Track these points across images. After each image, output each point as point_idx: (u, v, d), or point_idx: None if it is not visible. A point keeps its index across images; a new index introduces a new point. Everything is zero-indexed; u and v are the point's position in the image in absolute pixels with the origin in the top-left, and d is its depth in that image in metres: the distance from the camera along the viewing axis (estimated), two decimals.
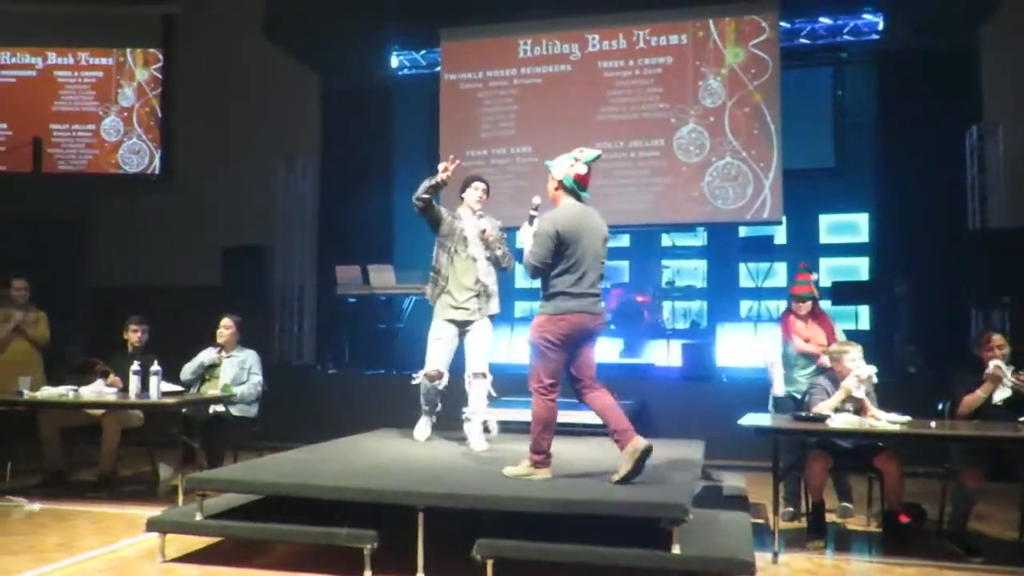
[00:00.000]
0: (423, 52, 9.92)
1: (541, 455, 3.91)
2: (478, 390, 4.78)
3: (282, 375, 7.65)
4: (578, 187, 3.97)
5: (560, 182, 3.98)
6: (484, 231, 4.78)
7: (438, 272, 4.85)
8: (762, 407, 5.10)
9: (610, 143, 8.74)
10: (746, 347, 8.72)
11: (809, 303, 5.16)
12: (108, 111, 10.02)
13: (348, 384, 8.08)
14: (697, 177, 8.59)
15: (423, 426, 5.16)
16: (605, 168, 8.76)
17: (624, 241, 10.25)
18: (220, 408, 5.69)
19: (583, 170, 3.95)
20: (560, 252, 3.83)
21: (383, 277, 8.32)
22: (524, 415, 5.71)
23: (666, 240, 9.98)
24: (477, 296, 4.79)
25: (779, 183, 8.36)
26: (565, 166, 3.97)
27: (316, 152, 9.82)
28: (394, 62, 10.04)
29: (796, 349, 5.11)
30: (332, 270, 8.65)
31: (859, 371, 4.42)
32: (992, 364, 4.45)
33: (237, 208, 9.37)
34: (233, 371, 5.81)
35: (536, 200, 4.11)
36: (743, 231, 9.21)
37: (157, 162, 9.95)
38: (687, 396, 7.17)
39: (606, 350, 8.85)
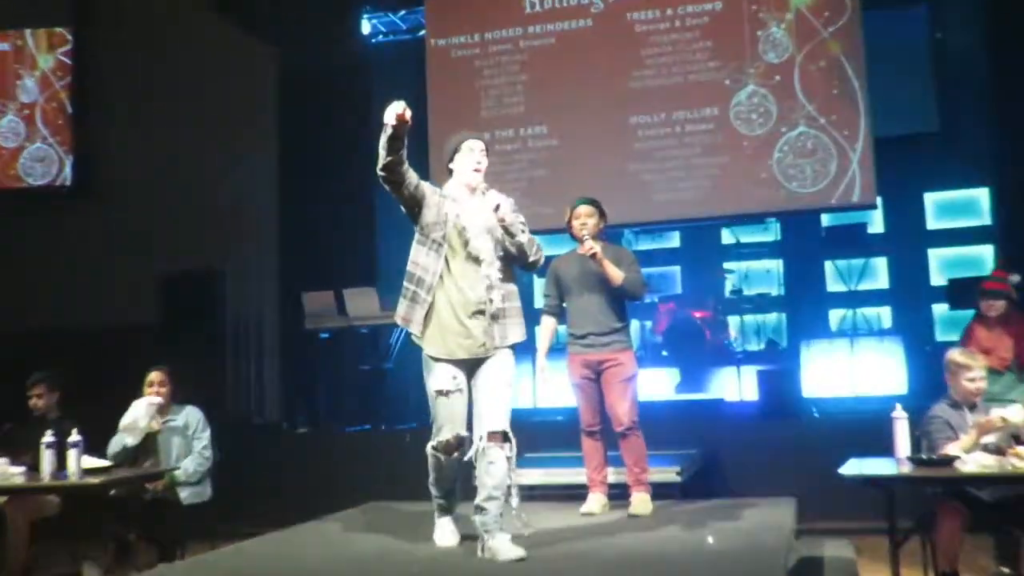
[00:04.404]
0: (402, 13, 10.00)
1: None
2: (496, 458, 3.91)
3: (239, 437, 7.59)
4: None
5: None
6: (497, 207, 3.98)
7: (420, 283, 4.00)
8: (866, 448, 4.95)
9: (648, 116, 8.75)
10: (841, 370, 8.58)
11: (1002, 303, 5.42)
12: (5, 109, 10.12)
13: (324, 446, 8.08)
14: (764, 154, 8.52)
15: (444, 530, 4.30)
16: (643, 149, 8.80)
17: (673, 241, 10.23)
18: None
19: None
20: None
21: (364, 304, 8.32)
22: (556, 476, 5.71)
23: (727, 237, 9.94)
24: (489, 316, 3.98)
25: (870, 156, 8.28)
26: None
27: (274, 149, 9.87)
28: (366, 28, 10.10)
29: None
30: (299, 297, 8.65)
31: (1009, 416, 4.28)
32: None
33: (176, 225, 9.40)
34: (177, 440, 5.64)
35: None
36: (827, 220, 9.21)
37: (68, 171, 10.04)
38: (769, 439, 7.06)
39: (659, 384, 8.80)
